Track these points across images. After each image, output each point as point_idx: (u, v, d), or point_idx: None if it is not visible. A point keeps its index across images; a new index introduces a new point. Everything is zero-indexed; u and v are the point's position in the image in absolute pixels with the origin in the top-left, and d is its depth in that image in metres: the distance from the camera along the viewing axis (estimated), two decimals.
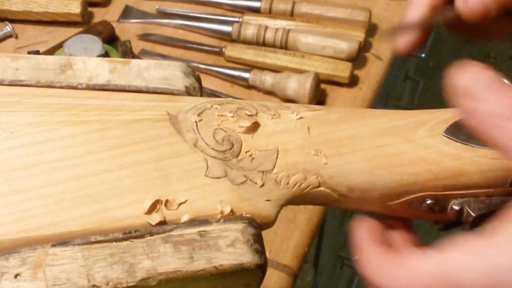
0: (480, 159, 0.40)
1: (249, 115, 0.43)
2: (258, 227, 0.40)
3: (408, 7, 0.46)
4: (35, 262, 0.35)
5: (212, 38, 0.97)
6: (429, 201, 0.42)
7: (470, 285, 0.32)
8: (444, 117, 0.42)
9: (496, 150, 0.31)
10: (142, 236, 0.37)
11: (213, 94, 0.90)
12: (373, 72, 0.96)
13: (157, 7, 1.01)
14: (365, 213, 0.42)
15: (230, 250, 0.38)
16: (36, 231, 0.37)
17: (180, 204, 0.39)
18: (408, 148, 0.41)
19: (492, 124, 0.30)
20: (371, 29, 0.99)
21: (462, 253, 0.32)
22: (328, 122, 0.43)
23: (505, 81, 0.30)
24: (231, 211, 0.39)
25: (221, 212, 0.39)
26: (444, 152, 0.41)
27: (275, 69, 0.92)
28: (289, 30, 0.93)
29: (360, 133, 0.42)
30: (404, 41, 0.47)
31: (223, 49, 0.94)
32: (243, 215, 0.40)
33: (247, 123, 0.42)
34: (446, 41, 2.04)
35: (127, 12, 1.00)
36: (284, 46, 0.93)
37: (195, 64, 0.92)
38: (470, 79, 0.31)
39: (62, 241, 0.36)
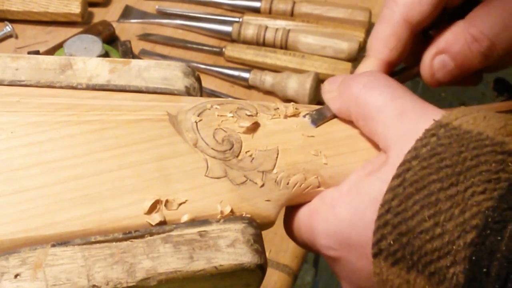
0: None
1: (249, 115, 0.43)
2: (258, 227, 0.40)
3: (362, 61, 0.46)
4: (35, 262, 0.35)
5: (212, 38, 0.97)
6: None
7: (320, 233, 0.39)
8: None
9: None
10: (142, 236, 0.37)
11: (213, 94, 0.90)
12: None
13: (157, 7, 1.01)
14: None
15: (230, 250, 0.37)
16: (36, 231, 0.37)
17: (180, 204, 0.39)
18: None
19: (327, 99, 0.44)
20: (371, 29, 0.98)
21: (323, 205, 0.40)
22: (328, 122, 0.43)
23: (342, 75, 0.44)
24: (231, 211, 0.39)
25: (221, 212, 0.39)
26: None
27: (275, 69, 0.91)
28: (289, 30, 0.93)
29: (359, 134, 0.42)
30: None
31: (223, 49, 0.93)
32: (243, 215, 0.40)
33: (247, 123, 0.42)
34: None
35: (127, 12, 1.00)
36: (284, 46, 0.93)
37: (195, 64, 0.92)
38: (325, 83, 0.44)
39: (62, 241, 0.36)
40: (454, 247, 0.33)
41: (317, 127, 0.43)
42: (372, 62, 0.45)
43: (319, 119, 0.43)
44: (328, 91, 0.43)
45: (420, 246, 0.34)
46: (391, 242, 0.34)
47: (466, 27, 0.43)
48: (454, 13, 0.45)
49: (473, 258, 0.32)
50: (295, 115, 0.44)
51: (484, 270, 0.31)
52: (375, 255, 0.35)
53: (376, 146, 0.41)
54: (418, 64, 0.46)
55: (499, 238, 0.31)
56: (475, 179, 0.33)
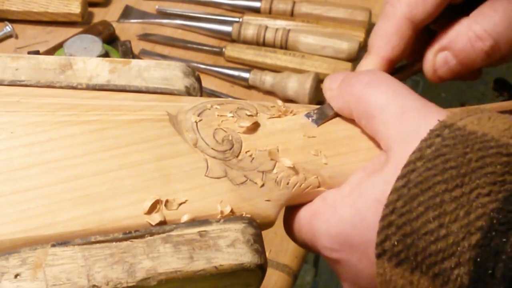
0: None
1: (249, 115, 0.43)
2: (258, 227, 0.40)
3: (364, 58, 0.46)
4: (35, 262, 0.35)
5: (212, 38, 0.97)
6: None
7: (322, 235, 0.39)
8: None
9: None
10: (142, 236, 0.37)
11: (213, 94, 0.90)
12: None
13: (157, 7, 1.01)
14: None
15: (230, 250, 0.37)
16: (36, 231, 0.37)
17: (180, 204, 0.39)
18: None
19: (328, 97, 0.43)
20: (371, 29, 0.98)
21: (325, 207, 0.40)
22: (329, 122, 0.43)
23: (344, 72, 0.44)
24: (231, 211, 0.39)
25: (221, 212, 0.39)
26: None
27: (275, 69, 0.92)
28: (289, 30, 0.93)
29: (360, 133, 0.42)
30: None
31: (223, 49, 0.93)
32: (243, 215, 0.40)
33: (247, 123, 0.42)
34: None
35: (127, 12, 1.00)
36: (284, 46, 0.93)
37: (195, 64, 0.92)
38: (326, 81, 0.44)
39: (62, 241, 0.36)
40: (458, 248, 0.32)
41: (318, 126, 0.43)
42: (374, 59, 0.45)
43: (320, 118, 0.43)
44: (329, 89, 0.43)
45: (424, 247, 0.34)
46: (395, 243, 0.34)
47: (470, 25, 0.43)
48: (459, 9, 0.45)
49: (478, 260, 0.32)
50: (294, 114, 0.44)
51: (489, 271, 0.31)
52: (379, 256, 0.35)
53: (377, 146, 0.41)
54: (419, 61, 0.46)
55: (504, 240, 0.31)
56: (480, 181, 0.33)
